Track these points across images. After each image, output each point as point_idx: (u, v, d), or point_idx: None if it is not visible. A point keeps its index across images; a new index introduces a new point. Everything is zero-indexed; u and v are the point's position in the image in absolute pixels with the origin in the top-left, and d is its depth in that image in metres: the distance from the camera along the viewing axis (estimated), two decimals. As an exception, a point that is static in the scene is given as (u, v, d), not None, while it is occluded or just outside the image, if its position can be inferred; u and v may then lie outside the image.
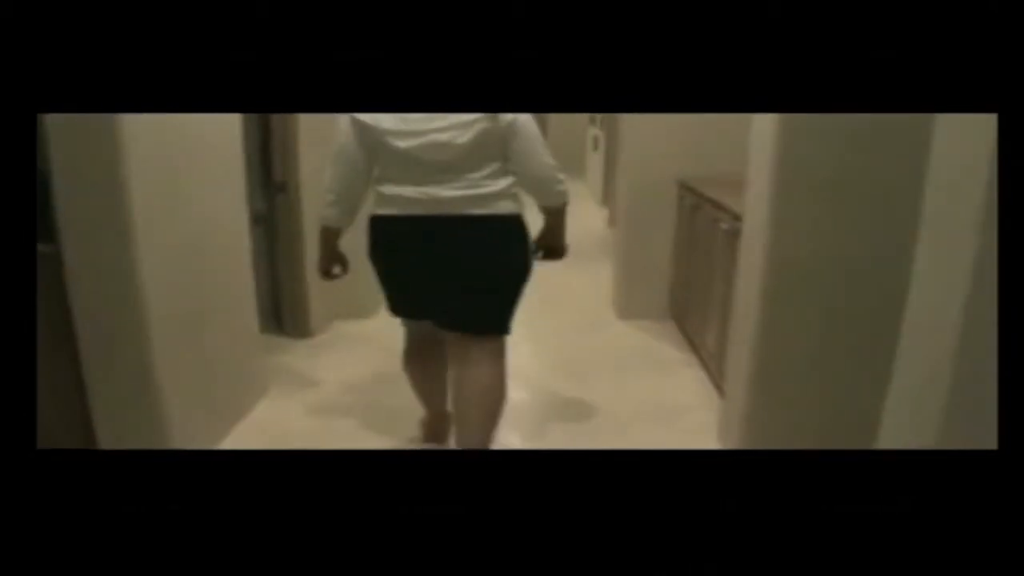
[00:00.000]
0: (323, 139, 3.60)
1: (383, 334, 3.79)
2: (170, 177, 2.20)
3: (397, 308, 2.34)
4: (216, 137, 2.50)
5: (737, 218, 2.60)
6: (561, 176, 2.20)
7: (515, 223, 2.17)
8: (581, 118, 9.86)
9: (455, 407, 2.34)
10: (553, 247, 2.38)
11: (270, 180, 3.45)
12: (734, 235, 2.64)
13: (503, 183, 2.10)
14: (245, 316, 2.82)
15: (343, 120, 2.12)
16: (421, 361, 2.44)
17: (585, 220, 7.28)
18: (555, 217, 2.30)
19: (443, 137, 2.01)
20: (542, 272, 4.52)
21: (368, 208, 2.23)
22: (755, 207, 2.29)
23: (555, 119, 10.59)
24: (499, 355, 2.28)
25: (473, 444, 2.26)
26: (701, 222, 3.31)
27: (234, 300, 2.72)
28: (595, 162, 8.31)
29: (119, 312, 2.08)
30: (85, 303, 2.08)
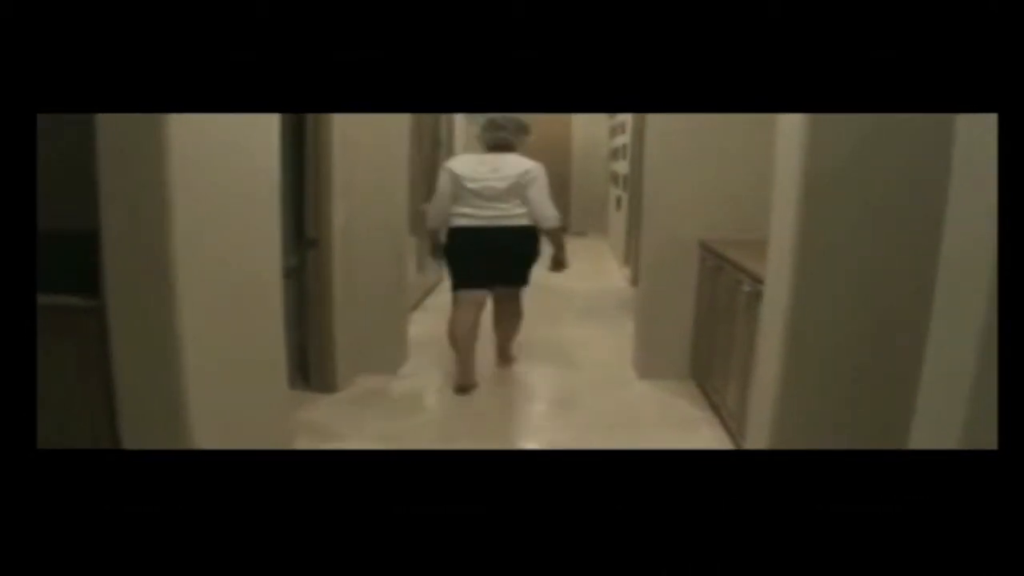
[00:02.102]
0: (354, 198, 3.74)
1: (406, 391, 3.85)
2: (213, 235, 2.29)
3: (460, 282, 3.85)
4: (256, 194, 2.60)
5: (758, 280, 2.64)
6: (553, 211, 3.77)
7: (530, 230, 3.78)
8: (605, 178, 9.99)
9: (496, 328, 4.15)
10: (558, 262, 4.03)
11: (302, 236, 3.55)
12: (755, 297, 2.68)
13: (522, 209, 3.73)
14: (275, 370, 2.88)
15: (443, 170, 3.82)
16: (461, 324, 3.78)
17: (607, 279, 7.32)
18: (552, 236, 3.89)
19: (492, 183, 3.69)
20: (564, 331, 4.61)
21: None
22: (776, 269, 2.33)
23: (578, 180, 10.75)
24: (519, 297, 4.06)
25: (507, 341, 4.20)
26: (723, 283, 3.36)
27: (266, 355, 2.78)
28: (618, 221, 8.40)
29: (157, 365, 2.14)
30: (124, 356, 2.14)
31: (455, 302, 3.84)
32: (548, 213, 3.73)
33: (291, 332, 3.34)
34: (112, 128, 1.98)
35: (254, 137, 2.53)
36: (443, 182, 3.77)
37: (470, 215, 3.71)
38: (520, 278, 3.92)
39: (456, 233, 3.76)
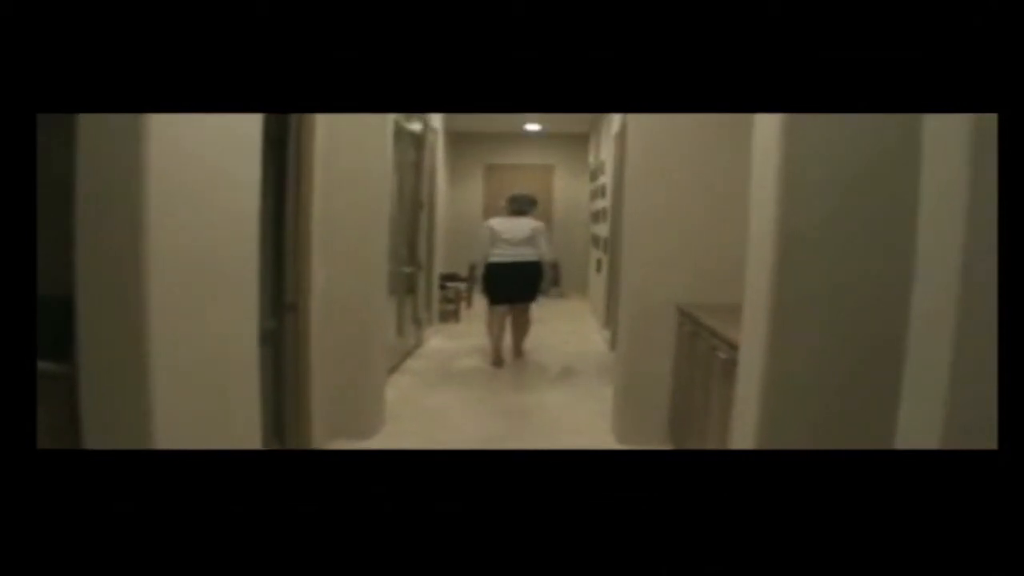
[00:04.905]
0: (333, 261, 3.74)
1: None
2: (188, 300, 2.27)
3: (493, 298, 6.05)
4: (234, 258, 2.59)
5: (734, 347, 2.65)
6: (552, 253, 6.18)
7: (537, 264, 5.98)
8: (585, 240, 10.07)
9: (513, 332, 6.25)
10: (553, 280, 6.36)
11: (281, 299, 3.54)
12: (731, 364, 2.69)
13: (533, 250, 5.95)
14: (250, 438, 2.83)
15: (483, 227, 6.19)
16: (495, 325, 6.05)
17: (587, 342, 7.30)
18: (550, 266, 6.13)
19: (517, 234, 5.97)
20: (542, 395, 4.55)
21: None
22: (751, 333, 2.35)
23: (558, 242, 10.84)
24: (529, 310, 6.24)
25: (520, 340, 6.36)
26: (700, 349, 3.37)
27: (241, 421, 2.74)
28: (598, 284, 8.45)
29: (129, 435, 2.10)
30: (96, 425, 2.09)
31: (490, 312, 6.13)
32: (550, 255, 6.12)
33: (267, 396, 3.30)
34: (89, 190, 1.97)
35: (233, 200, 2.54)
36: (484, 234, 6.06)
37: (501, 254, 5.96)
38: (531, 296, 6.09)
39: (492, 266, 6.00)
